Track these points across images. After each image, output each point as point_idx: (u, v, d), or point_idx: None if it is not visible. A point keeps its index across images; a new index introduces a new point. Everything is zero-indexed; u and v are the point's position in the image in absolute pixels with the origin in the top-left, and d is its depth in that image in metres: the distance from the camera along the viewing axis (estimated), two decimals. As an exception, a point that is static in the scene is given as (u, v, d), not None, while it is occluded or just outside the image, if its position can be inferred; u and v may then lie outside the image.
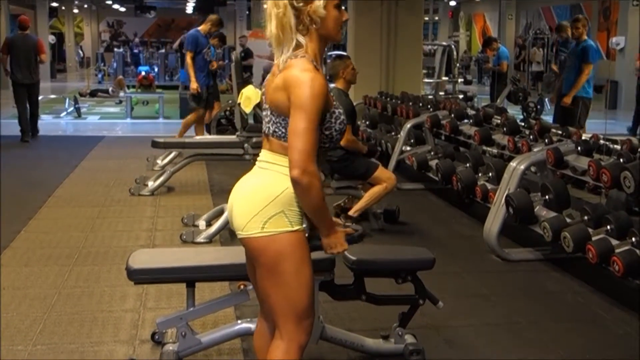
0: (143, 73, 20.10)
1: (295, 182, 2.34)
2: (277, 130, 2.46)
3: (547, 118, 8.97)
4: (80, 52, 32.38)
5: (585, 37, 8.61)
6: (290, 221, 2.42)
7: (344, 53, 5.68)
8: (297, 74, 2.38)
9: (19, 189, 7.53)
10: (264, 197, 2.43)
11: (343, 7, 2.55)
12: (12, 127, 11.61)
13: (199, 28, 9.84)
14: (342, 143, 5.75)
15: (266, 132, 2.51)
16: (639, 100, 12.62)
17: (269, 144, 2.50)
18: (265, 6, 2.49)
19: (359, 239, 2.63)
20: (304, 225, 2.48)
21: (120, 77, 20.02)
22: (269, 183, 2.45)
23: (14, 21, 23.44)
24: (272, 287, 2.47)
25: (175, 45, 20.64)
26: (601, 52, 8.22)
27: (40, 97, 11.99)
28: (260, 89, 2.74)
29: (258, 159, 2.54)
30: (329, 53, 15.67)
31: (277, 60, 2.46)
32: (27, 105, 11.35)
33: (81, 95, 18.45)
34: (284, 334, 2.49)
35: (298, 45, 2.44)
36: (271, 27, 2.44)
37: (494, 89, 13.21)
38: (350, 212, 5.79)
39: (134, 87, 18.27)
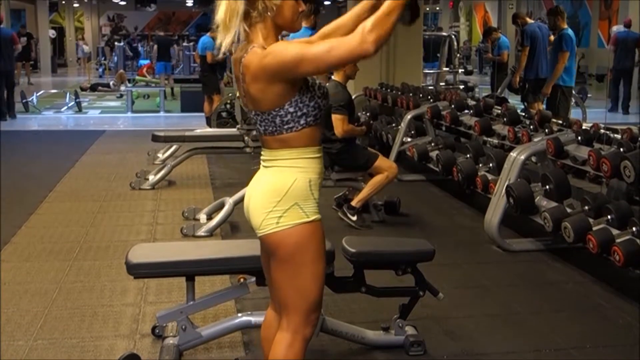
0: (148, 63, 20.12)
1: (374, 51, 2.24)
2: (267, 127, 2.44)
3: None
4: (85, 46, 32.16)
5: (563, 25, 8.75)
6: (306, 212, 2.42)
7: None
8: (257, 56, 2.34)
9: (20, 183, 7.53)
10: (273, 193, 2.42)
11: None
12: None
13: None
14: (339, 135, 5.76)
15: (260, 132, 2.50)
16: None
17: (266, 143, 2.49)
18: None
19: None
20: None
21: (122, 71, 20.01)
22: (276, 180, 2.44)
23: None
24: (286, 279, 2.46)
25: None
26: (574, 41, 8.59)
27: (41, 92, 12.03)
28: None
29: (261, 159, 2.54)
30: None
31: (217, 43, 2.41)
32: (5, 90, 13.37)
33: (82, 89, 18.46)
34: (291, 326, 2.50)
35: (246, 38, 2.40)
36: (220, 12, 2.40)
37: (494, 79, 13.20)
38: (353, 203, 5.80)
39: (134, 80, 18.23)
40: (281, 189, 2.41)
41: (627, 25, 14.69)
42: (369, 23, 2.23)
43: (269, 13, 2.40)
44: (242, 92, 2.48)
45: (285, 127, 2.41)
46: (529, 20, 9.68)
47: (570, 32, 8.75)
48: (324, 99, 2.47)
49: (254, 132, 7.34)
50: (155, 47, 19.51)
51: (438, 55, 13.67)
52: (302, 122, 2.41)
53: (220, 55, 2.47)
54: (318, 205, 2.46)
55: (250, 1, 2.39)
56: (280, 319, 2.60)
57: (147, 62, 21.80)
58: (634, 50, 14.41)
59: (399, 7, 2.27)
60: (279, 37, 2.48)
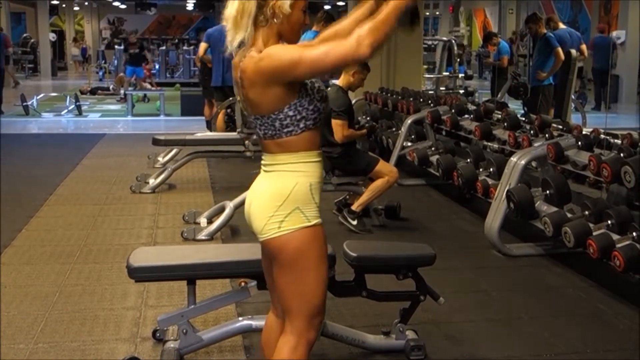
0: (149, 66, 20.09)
1: (369, 55, 2.26)
2: (267, 131, 2.45)
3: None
4: (74, 49, 31.96)
5: (543, 30, 9.23)
6: (307, 216, 2.43)
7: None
8: (254, 61, 2.36)
9: (20, 187, 7.53)
10: (275, 198, 2.43)
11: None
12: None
13: None
14: (339, 140, 5.77)
15: (260, 136, 2.51)
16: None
17: (266, 147, 2.50)
18: None
19: None
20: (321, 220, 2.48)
21: (122, 74, 20.00)
22: (276, 184, 2.45)
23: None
24: (289, 283, 2.47)
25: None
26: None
27: (41, 95, 12.03)
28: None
29: (262, 163, 2.54)
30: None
31: (228, 43, 2.43)
32: None
33: (82, 93, 18.45)
34: (294, 330, 2.50)
35: (250, 39, 2.42)
36: (232, 9, 2.41)
37: (494, 84, 13.20)
38: (354, 207, 5.81)
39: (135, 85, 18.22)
40: (282, 194, 2.42)
41: (602, 31, 16.45)
42: (365, 26, 2.26)
43: (275, 20, 2.41)
44: (242, 96, 2.50)
45: (285, 130, 2.42)
46: (561, 25, 9.74)
47: (551, 34, 9.14)
48: (323, 102, 2.48)
49: (254, 136, 7.34)
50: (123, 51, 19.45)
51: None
52: (301, 125, 2.42)
53: (228, 53, 2.48)
54: (319, 209, 2.47)
55: (260, 5, 2.40)
56: (281, 323, 2.61)
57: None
58: (608, 54, 15.61)
59: (396, 11, 2.29)
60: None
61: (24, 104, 14.68)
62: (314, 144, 2.48)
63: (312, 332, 2.52)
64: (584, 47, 9.75)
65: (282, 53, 2.34)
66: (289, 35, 2.47)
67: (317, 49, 2.32)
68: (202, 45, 10.15)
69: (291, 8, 2.41)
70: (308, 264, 2.44)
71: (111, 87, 18.95)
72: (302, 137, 2.44)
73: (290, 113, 2.40)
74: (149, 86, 17.45)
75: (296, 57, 2.31)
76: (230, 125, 9.45)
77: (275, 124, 2.42)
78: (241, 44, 2.43)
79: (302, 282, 2.45)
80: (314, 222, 2.44)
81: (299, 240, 2.42)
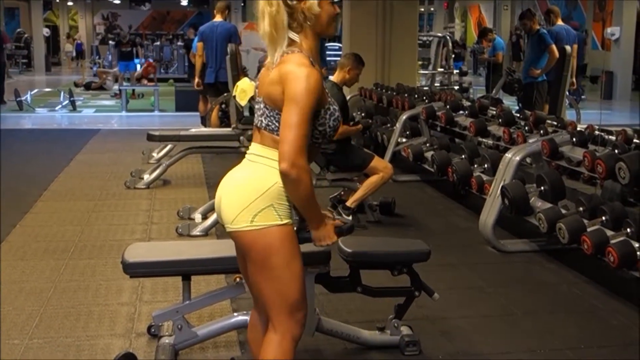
0: (149, 61, 20.03)
1: (284, 174, 2.34)
2: (270, 123, 2.45)
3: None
4: (68, 45, 31.83)
5: (537, 27, 9.22)
6: (279, 215, 2.42)
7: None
8: (293, 68, 2.37)
9: (14, 182, 7.51)
10: (253, 190, 2.42)
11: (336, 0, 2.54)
12: None
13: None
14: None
15: (258, 125, 2.51)
16: None
17: (261, 137, 2.49)
18: (259, 2, 2.46)
19: (348, 231, 2.62)
20: (294, 219, 2.48)
21: (115, 69, 19.95)
22: (259, 176, 2.45)
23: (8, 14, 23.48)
24: (263, 281, 2.47)
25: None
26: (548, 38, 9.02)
27: (35, 90, 11.99)
28: (255, 82, 2.73)
29: (248, 151, 2.54)
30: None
31: (271, 58, 2.45)
32: None
33: (76, 85, 18.39)
34: (278, 327, 2.50)
35: (291, 42, 2.44)
36: (264, 26, 2.42)
37: (489, 80, 13.21)
38: (348, 203, 5.81)
39: (128, 80, 18.16)
40: (261, 187, 2.42)
41: (576, 28, 16.60)
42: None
43: (308, 22, 2.43)
44: (265, 78, 2.48)
45: None
46: (559, 22, 9.76)
47: (544, 30, 9.15)
48: (333, 131, 2.52)
49: (249, 132, 7.32)
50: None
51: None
52: None
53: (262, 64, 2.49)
54: (291, 211, 2.47)
55: (290, 13, 2.41)
56: (264, 319, 2.61)
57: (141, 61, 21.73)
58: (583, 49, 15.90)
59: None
60: (319, 44, 2.53)
61: (18, 99, 14.64)
62: (309, 156, 2.46)
63: (295, 328, 2.51)
64: (575, 46, 9.71)
65: (293, 88, 2.35)
66: (326, 30, 2.49)
67: (298, 118, 2.34)
68: (198, 45, 10.16)
69: (320, 7, 2.43)
70: (279, 261, 2.43)
71: (107, 80, 18.89)
72: None
73: None
74: (145, 81, 17.38)
75: (295, 103, 2.34)
76: (224, 121, 9.44)
77: (280, 120, 2.41)
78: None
79: (276, 280, 2.45)
80: (285, 221, 2.44)
81: (268, 237, 2.41)
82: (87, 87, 19.03)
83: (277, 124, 2.42)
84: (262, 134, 2.49)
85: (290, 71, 2.37)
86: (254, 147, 2.52)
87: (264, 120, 2.47)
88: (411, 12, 10.22)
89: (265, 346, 2.52)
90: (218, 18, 9.88)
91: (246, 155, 2.55)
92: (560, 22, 9.67)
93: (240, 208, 2.42)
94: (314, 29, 2.46)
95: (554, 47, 8.87)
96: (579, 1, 22.40)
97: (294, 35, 2.44)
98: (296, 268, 2.47)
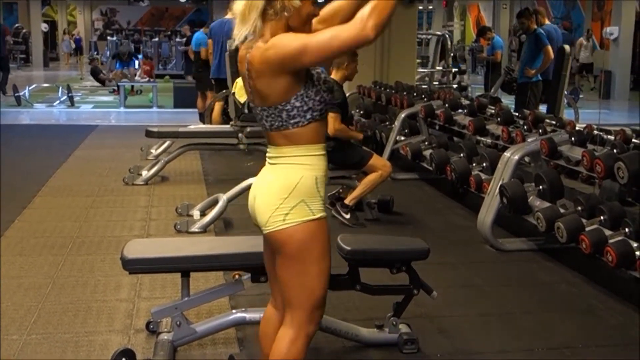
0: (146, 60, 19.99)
1: (373, 37, 2.27)
2: (273, 122, 2.45)
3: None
4: (69, 41, 31.71)
5: (534, 26, 9.11)
6: (312, 210, 2.45)
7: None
8: (261, 51, 2.37)
9: (12, 178, 7.50)
10: (281, 190, 2.44)
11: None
12: None
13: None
14: (330, 133, 5.75)
15: (265, 129, 2.51)
16: None
17: (271, 139, 2.50)
18: None
19: None
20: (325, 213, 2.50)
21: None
22: (283, 176, 2.46)
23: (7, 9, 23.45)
24: (293, 276, 2.48)
25: None
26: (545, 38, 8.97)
27: (33, 86, 11.98)
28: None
29: (267, 156, 2.54)
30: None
31: (238, 39, 2.43)
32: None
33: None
34: (294, 323, 2.52)
35: (257, 31, 2.41)
36: (239, 4, 2.42)
37: (488, 79, 13.21)
38: (346, 201, 5.81)
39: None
40: (288, 186, 2.43)
41: (566, 28, 17.47)
42: (367, 9, 2.25)
43: (285, 13, 2.41)
44: (249, 88, 2.49)
45: (292, 121, 2.42)
46: (546, 21, 9.74)
47: (541, 30, 9.05)
48: (330, 93, 2.49)
49: (248, 129, 7.33)
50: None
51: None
52: (308, 116, 2.42)
53: (234, 46, 2.47)
54: (324, 202, 2.48)
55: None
56: (280, 315, 2.62)
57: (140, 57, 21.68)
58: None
59: None
60: None
61: (16, 94, 14.63)
62: (320, 136, 2.49)
63: (312, 325, 2.54)
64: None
65: (288, 41, 2.34)
66: (300, 28, 2.44)
67: (322, 34, 2.32)
68: (209, 42, 10.29)
69: (301, 1, 2.41)
70: (312, 256, 2.45)
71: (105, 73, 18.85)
72: (309, 128, 2.45)
73: (297, 104, 2.41)
74: (138, 78, 17.33)
75: (302, 44, 2.31)
76: (224, 117, 9.44)
77: (282, 114, 2.42)
78: (246, 38, 2.43)
79: (305, 275, 2.46)
80: (318, 215, 2.46)
81: (303, 233, 2.43)
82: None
83: (280, 120, 2.42)
84: (272, 135, 2.49)
85: (263, 51, 2.36)
86: (270, 151, 2.52)
87: (267, 123, 2.47)
88: (410, 11, 10.21)
89: (279, 341, 2.53)
90: (229, 15, 9.90)
91: (266, 161, 2.55)
92: (547, 22, 9.67)
93: (271, 210, 2.44)
94: (290, 22, 2.42)
95: (549, 47, 8.84)
96: (577, 1, 22.42)
97: (260, 23, 2.39)
98: (325, 265, 2.50)
